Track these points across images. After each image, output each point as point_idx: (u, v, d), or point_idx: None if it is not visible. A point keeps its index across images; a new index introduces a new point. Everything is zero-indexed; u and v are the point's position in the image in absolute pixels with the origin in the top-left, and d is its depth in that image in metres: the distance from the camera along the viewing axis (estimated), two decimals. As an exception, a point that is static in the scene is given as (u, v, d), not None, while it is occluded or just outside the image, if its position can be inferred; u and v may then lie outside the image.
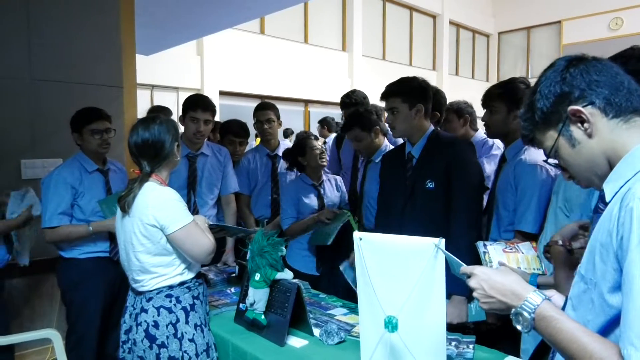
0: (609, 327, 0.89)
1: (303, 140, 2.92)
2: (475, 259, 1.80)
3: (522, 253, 1.45)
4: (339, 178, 3.12)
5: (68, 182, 2.45)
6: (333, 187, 3.02)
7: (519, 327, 0.94)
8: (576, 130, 0.97)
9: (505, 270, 1.07)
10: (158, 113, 3.14)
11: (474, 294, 1.02)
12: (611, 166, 0.97)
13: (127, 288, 1.95)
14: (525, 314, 0.93)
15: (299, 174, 3.00)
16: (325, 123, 7.95)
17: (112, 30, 3.46)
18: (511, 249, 1.50)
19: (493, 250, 1.46)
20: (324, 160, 2.88)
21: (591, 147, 0.97)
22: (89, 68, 3.36)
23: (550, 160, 1.05)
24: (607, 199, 0.95)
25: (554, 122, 1.00)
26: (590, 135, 0.96)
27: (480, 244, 1.40)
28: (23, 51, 3.12)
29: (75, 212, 2.49)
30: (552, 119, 1.00)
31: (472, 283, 1.03)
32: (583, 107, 0.95)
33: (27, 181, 3.05)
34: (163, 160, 1.82)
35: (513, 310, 0.95)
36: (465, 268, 1.09)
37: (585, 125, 0.96)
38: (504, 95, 2.22)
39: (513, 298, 0.97)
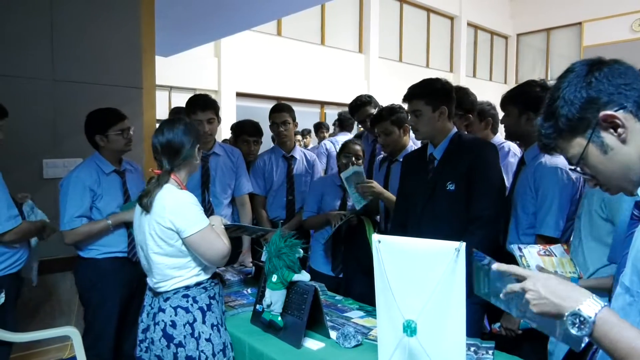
0: None
1: (346, 144, 2.95)
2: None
3: (557, 256, 1.43)
4: None
5: (87, 185, 2.45)
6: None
7: (573, 331, 0.88)
8: (608, 137, 0.94)
9: (559, 277, 1.03)
10: (180, 114, 3.17)
11: (527, 296, 0.96)
12: None
13: (145, 287, 1.97)
14: (586, 315, 0.87)
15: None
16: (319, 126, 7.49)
17: (132, 32, 3.51)
18: (545, 252, 1.48)
19: (529, 254, 1.44)
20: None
21: (626, 153, 0.94)
22: (109, 69, 3.41)
23: (573, 168, 1.01)
24: None
25: (581, 129, 0.96)
26: (624, 141, 0.93)
27: (514, 247, 1.36)
28: (46, 53, 3.18)
29: (93, 214, 2.49)
30: (579, 126, 0.96)
31: (528, 284, 0.97)
32: (615, 111, 0.92)
33: (48, 180, 3.11)
34: (182, 161, 1.85)
35: (570, 311, 0.89)
36: (518, 269, 1.04)
37: (620, 130, 0.93)
38: (515, 98, 2.22)
39: (569, 301, 0.90)
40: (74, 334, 2.35)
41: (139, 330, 1.91)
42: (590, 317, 0.86)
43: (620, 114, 0.92)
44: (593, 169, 0.98)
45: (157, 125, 2.52)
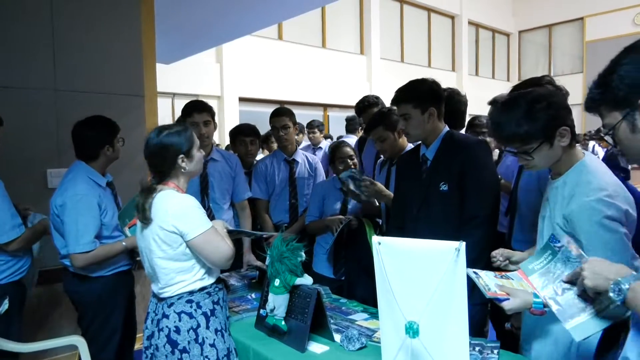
0: None
1: (337, 148, 2.95)
2: (487, 261, 1.78)
3: (514, 280, 1.44)
4: None
5: (95, 202, 2.34)
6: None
7: (613, 296, 1.09)
8: None
9: (608, 262, 1.21)
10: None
11: (584, 273, 1.17)
12: None
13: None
14: (623, 286, 1.08)
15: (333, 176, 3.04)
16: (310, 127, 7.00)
17: (132, 40, 3.54)
18: (502, 277, 1.49)
19: (485, 276, 1.47)
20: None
21: None
22: (110, 78, 3.43)
23: (605, 133, 1.17)
24: None
25: (622, 106, 1.09)
26: None
27: (470, 270, 1.39)
28: (48, 62, 3.21)
29: (101, 230, 2.40)
30: (621, 102, 1.09)
31: (587, 265, 1.19)
32: None
33: (53, 190, 3.12)
34: (169, 168, 1.82)
35: (614, 282, 1.09)
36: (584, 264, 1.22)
37: None
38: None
39: (613, 274, 1.12)
40: (80, 343, 2.36)
41: (143, 337, 1.91)
42: (625, 286, 1.08)
43: None
44: (620, 141, 1.14)
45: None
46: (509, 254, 1.75)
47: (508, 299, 1.39)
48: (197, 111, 2.81)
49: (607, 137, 1.18)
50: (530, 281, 1.28)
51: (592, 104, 1.17)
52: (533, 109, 1.49)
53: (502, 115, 1.56)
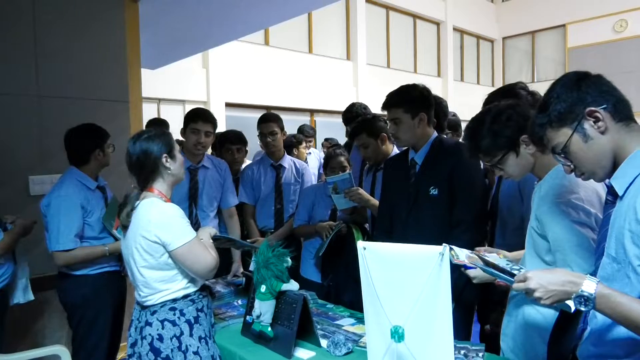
0: None
1: (331, 155, 2.96)
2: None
3: (489, 258, 1.48)
4: None
5: (78, 203, 2.42)
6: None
7: (582, 308, 1.09)
8: (590, 128, 1.19)
9: (550, 269, 1.26)
10: (153, 127, 3.17)
11: (535, 294, 1.14)
12: (615, 162, 1.19)
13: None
14: (588, 294, 1.08)
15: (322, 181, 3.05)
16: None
17: (117, 45, 3.51)
18: (475, 254, 1.57)
19: (458, 249, 1.56)
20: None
21: (602, 144, 1.18)
22: (95, 83, 3.40)
23: (556, 154, 1.25)
24: (620, 193, 1.17)
25: (569, 121, 1.20)
26: (603, 132, 1.18)
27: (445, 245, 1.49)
28: (30, 68, 3.17)
29: (86, 231, 2.46)
30: (567, 118, 1.20)
31: (532, 285, 1.15)
32: (598, 108, 1.16)
33: (35, 197, 3.08)
34: (150, 174, 1.81)
35: (575, 294, 1.10)
36: (519, 275, 1.21)
37: (599, 123, 1.17)
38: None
39: (572, 286, 1.11)
40: (63, 352, 2.33)
41: (127, 344, 1.89)
42: (592, 294, 1.08)
43: (601, 110, 1.17)
44: (573, 155, 1.22)
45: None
46: (493, 250, 1.78)
47: (475, 267, 1.48)
48: (203, 120, 2.81)
49: (561, 158, 1.25)
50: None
51: (539, 130, 1.26)
52: (494, 123, 1.60)
53: (470, 133, 1.69)
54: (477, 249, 1.80)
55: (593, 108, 1.16)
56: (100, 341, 2.50)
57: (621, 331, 1.15)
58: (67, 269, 2.48)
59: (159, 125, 4.22)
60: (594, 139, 1.18)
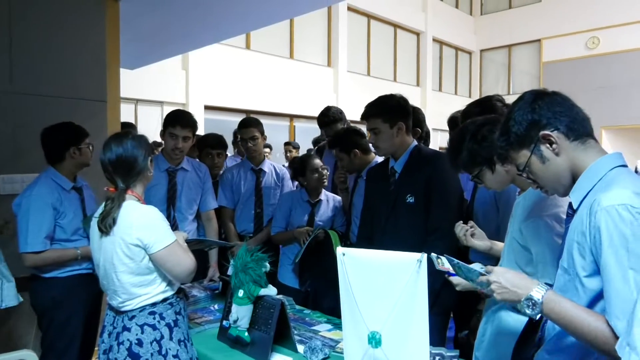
0: (591, 304, 1.16)
1: (304, 161, 2.96)
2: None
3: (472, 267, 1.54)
4: (338, 199, 3.12)
5: (49, 203, 2.36)
6: (329, 208, 3.03)
7: (528, 312, 1.15)
8: (546, 150, 1.24)
9: (516, 271, 1.29)
10: (129, 129, 3.13)
11: (492, 287, 1.22)
12: (574, 178, 1.24)
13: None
14: (536, 299, 1.14)
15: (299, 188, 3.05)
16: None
17: (96, 44, 3.45)
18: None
19: (442, 257, 1.62)
20: (324, 181, 2.95)
21: (558, 164, 1.24)
22: (72, 82, 3.33)
23: (519, 173, 1.31)
24: (575, 206, 1.22)
25: (526, 143, 1.25)
26: (557, 154, 1.23)
27: (433, 255, 1.58)
28: (5, 65, 3.09)
29: (57, 232, 2.40)
30: (525, 140, 1.25)
31: (492, 277, 1.23)
32: (551, 132, 1.22)
33: (5, 196, 3.00)
34: (137, 175, 1.80)
35: (525, 297, 1.15)
36: (488, 267, 1.30)
37: (554, 146, 1.22)
38: (484, 114, 2.27)
39: (523, 288, 1.17)
40: (31, 357, 2.26)
41: (99, 351, 1.85)
42: (539, 300, 1.14)
43: (554, 134, 1.22)
44: (534, 174, 1.28)
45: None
46: (473, 229, 1.84)
47: (456, 275, 1.52)
48: (182, 125, 2.77)
49: (524, 177, 1.31)
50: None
51: (502, 152, 1.32)
52: (471, 141, 1.67)
53: (450, 148, 1.77)
54: (459, 223, 1.88)
55: (546, 132, 1.21)
56: (71, 345, 2.44)
57: (573, 339, 1.19)
58: (37, 271, 2.42)
59: (128, 128, 4.14)
60: (550, 160, 1.23)
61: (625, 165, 1.21)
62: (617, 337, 1.02)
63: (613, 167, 1.19)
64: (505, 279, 1.21)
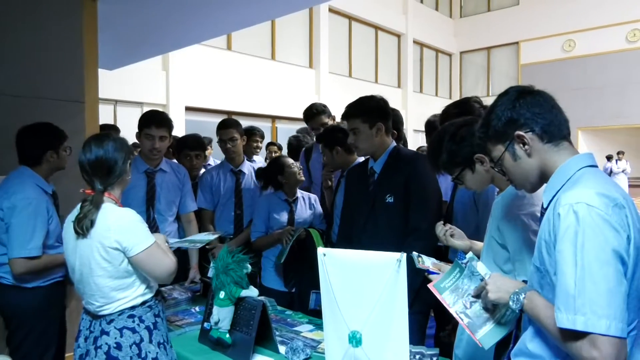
0: None
1: (279, 160, 2.97)
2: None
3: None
4: (313, 197, 3.14)
5: (45, 208, 2.29)
6: (306, 206, 3.03)
7: (513, 306, 1.22)
8: (519, 149, 1.27)
9: (509, 278, 1.39)
10: (109, 131, 3.09)
11: (488, 287, 1.29)
12: (543, 178, 1.28)
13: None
14: (520, 296, 1.21)
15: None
16: None
17: (74, 44, 3.39)
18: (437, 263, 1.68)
19: (424, 256, 1.67)
20: (301, 174, 2.96)
21: (528, 163, 1.27)
22: (48, 82, 3.26)
23: (493, 165, 1.37)
24: (545, 206, 1.26)
25: (502, 139, 1.29)
26: (529, 155, 1.26)
27: (414, 253, 1.64)
28: (-23, 65, 3.02)
29: (46, 238, 2.31)
30: (502, 136, 1.29)
31: (490, 281, 1.31)
32: (525, 133, 1.25)
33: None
34: (116, 178, 1.77)
35: (513, 293, 1.23)
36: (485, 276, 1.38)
37: (526, 147, 1.25)
38: (462, 115, 2.30)
39: (512, 288, 1.25)
40: (7, 362, 2.21)
41: (75, 356, 1.82)
42: (521, 297, 1.22)
43: (528, 135, 1.25)
44: (506, 169, 1.33)
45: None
46: (452, 230, 1.88)
47: (438, 274, 1.54)
48: (157, 125, 2.74)
49: (497, 170, 1.37)
50: (443, 298, 1.37)
51: (480, 142, 1.37)
52: (450, 142, 1.71)
53: (430, 149, 1.82)
54: (439, 223, 1.92)
55: (521, 133, 1.24)
56: (47, 352, 2.38)
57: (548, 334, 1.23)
58: (18, 281, 2.29)
59: (111, 130, 4.09)
60: (521, 158, 1.27)
61: (594, 166, 1.23)
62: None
63: (581, 167, 1.21)
64: (501, 282, 1.30)
